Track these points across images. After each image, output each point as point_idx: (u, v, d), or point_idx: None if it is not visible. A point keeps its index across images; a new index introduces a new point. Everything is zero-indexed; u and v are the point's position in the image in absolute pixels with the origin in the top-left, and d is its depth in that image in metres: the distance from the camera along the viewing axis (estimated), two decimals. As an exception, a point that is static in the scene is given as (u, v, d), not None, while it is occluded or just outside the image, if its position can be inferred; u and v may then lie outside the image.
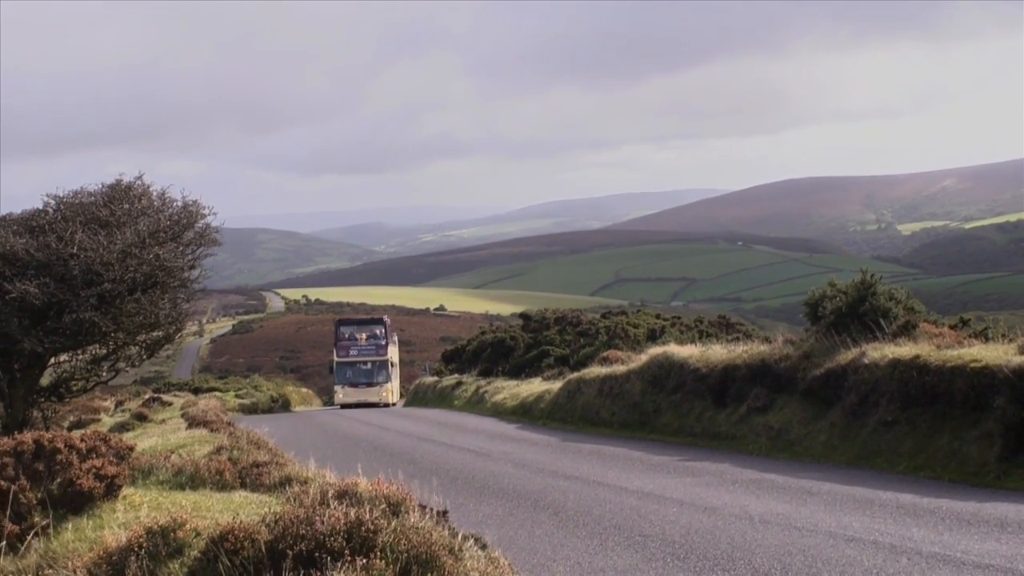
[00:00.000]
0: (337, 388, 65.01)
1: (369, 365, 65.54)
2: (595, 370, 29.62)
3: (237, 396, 60.62)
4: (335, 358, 65.73)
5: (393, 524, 7.48)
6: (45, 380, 25.15)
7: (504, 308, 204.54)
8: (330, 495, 8.50)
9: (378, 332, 67.86)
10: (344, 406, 61.11)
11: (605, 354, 32.16)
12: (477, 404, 40.28)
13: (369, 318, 79.72)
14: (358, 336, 67.37)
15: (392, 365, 67.84)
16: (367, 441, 24.42)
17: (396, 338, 73.99)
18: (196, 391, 61.39)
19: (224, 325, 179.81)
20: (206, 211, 24.56)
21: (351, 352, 65.50)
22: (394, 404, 63.71)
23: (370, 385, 64.36)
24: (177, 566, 7.68)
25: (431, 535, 7.46)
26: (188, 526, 7.98)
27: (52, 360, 24.38)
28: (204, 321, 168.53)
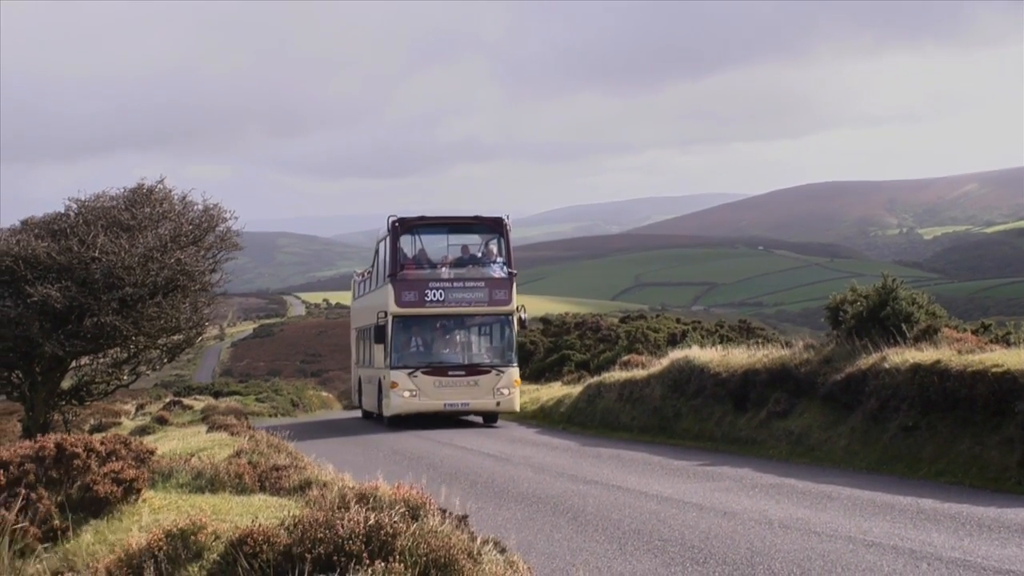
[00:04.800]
0: (394, 376, 29.81)
1: (472, 325, 31.78)
2: (615, 375, 29.57)
3: (257, 400, 60.70)
4: (391, 307, 30.20)
5: (412, 528, 7.50)
6: (66, 383, 25.32)
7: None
8: (349, 499, 8.52)
9: (483, 252, 32.39)
10: (403, 418, 30.48)
11: (625, 358, 32.10)
12: (497, 408, 40.22)
13: (468, 218, 33.39)
14: (442, 260, 31.97)
15: (523, 325, 32.02)
16: (386, 445, 24.43)
17: None
18: (217, 395, 61.53)
19: (245, 329, 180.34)
20: (227, 215, 24.72)
21: (429, 293, 30.34)
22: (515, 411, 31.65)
23: (474, 371, 30.30)
24: (196, 569, 7.71)
25: (450, 539, 7.47)
26: (208, 529, 8.01)
27: (73, 363, 24.55)
28: (225, 325, 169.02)
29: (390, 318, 30.23)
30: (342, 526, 7.35)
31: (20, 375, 23.54)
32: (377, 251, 34.04)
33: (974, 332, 21.72)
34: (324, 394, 77.45)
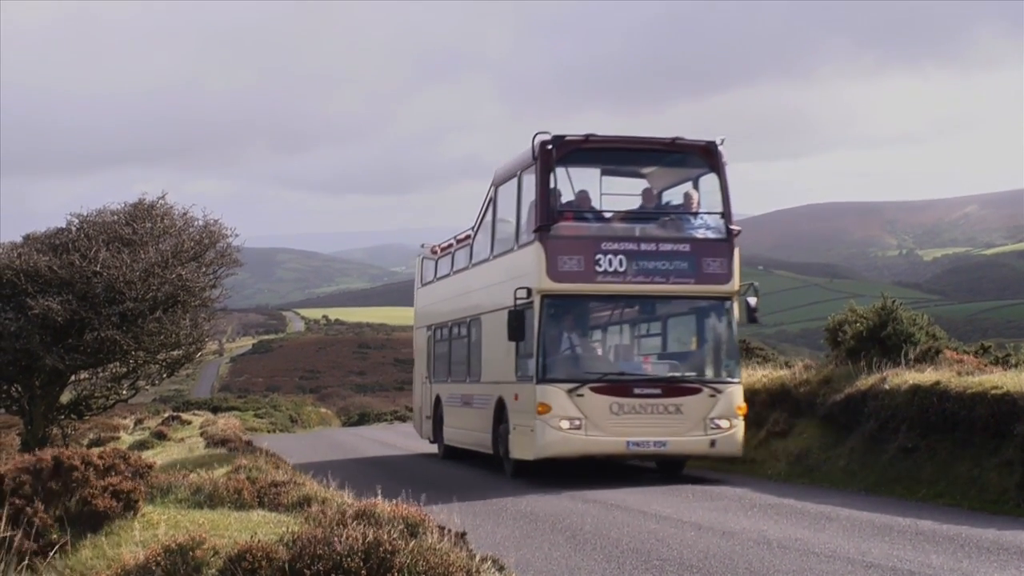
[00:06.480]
0: (543, 395, 17.81)
1: (668, 313, 20.28)
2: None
3: (256, 415, 60.66)
4: (540, 281, 18.09)
5: (411, 545, 7.50)
6: (65, 397, 25.29)
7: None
8: (348, 515, 8.52)
9: (683, 197, 20.17)
10: (547, 464, 18.69)
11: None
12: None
13: (663, 143, 19.57)
14: (616, 210, 19.98)
15: (753, 316, 20.75)
16: (383, 462, 24.37)
17: None
18: (215, 410, 61.41)
19: (244, 344, 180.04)
20: (228, 231, 24.74)
21: (603, 260, 18.22)
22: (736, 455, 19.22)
23: (675, 389, 18.38)
24: (194, 584, 7.70)
25: (449, 556, 7.47)
26: (206, 545, 8.00)
27: (72, 377, 24.53)
28: (224, 340, 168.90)
29: (537, 298, 18.27)
30: (340, 543, 7.35)
31: (19, 388, 23.53)
32: (494, 199, 21.78)
33: (974, 354, 21.75)
34: (323, 410, 77.43)
